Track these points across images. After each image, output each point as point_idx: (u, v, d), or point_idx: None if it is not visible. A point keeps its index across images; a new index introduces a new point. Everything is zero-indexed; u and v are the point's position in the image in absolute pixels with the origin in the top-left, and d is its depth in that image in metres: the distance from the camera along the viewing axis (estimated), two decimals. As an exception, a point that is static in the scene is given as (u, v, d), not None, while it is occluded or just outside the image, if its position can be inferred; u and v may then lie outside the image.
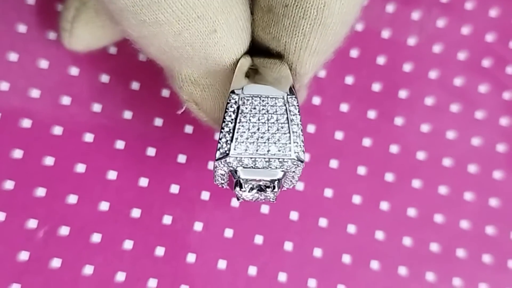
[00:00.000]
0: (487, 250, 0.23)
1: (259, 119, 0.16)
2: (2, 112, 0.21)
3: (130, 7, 0.14)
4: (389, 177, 0.23)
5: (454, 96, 0.24)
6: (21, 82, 0.22)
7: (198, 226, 0.22)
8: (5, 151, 0.21)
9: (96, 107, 0.22)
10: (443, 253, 0.22)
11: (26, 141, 0.21)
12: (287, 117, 0.16)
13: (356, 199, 0.23)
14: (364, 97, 0.24)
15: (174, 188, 0.22)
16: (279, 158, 0.16)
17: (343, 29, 0.16)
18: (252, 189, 0.16)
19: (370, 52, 0.24)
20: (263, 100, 0.16)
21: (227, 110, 0.16)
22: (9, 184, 0.21)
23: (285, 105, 0.16)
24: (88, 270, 0.21)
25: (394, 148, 0.23)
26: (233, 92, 0.16)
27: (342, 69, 0.24)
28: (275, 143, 0.16)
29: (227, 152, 0.16)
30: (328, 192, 0.23)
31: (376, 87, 0.24)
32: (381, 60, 0.24)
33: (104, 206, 0.21)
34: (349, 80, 0.24)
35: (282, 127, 0.16)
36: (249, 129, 0.16)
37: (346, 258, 0.22)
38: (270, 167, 0.16)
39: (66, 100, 0.22)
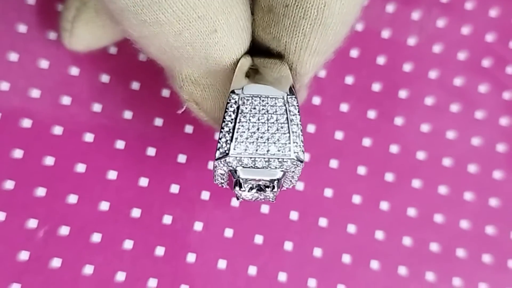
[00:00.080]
0: (487, 250, 0.23)
1: (259, 119, 0.16)
2: (2, 112, 0.21)
3: (130, 7, 0.14)
4: (389, 177, 0.23)
5: (454, 96, 0.24)
6: (21, 82, 0.22)
7: (198, 226, 0.22)
8: (5, 151, 0.21)
9: (96, 107, 0.22)
10: (443, 253, 0.23)
11: (26, 141, 0.21)
12: (287, 117, 0.16)
13: (356, 199, 0.23)
14: (364, 97, 0.24)
15: (174, 188, 0.22)
16: (278, 158, 0.16)
17: (344, 29, 0.16)
18: (251, 188, 0.16)
19: (370, 52, 0.24)
20: (263, 100, 0.16)
21: (227, 110, 0.16)
22: (9, 184, 0.21)
23: (285, 105, 0.16)
24: (88, 270, 0.21)
25: (394, 148, 0.23)
26: (233, 92, 0.16)
27: (342, 69, 0.24)
28: (274, 143, 0.16)
29: (227, 151, 0.16)
30: (328, 192, 0.23)
31: (376, 87, 0.24)
32: (381, 60, 0.24)
33: (104, 206, 0.21)
34: (349, 80, 0.24)
35: (281, 127, 0.16)
36: (249, 129, 0.16)
37: (346, 258, 0.22)
38: (270, 167, 0.16)
39: (66, 100, 0.22)
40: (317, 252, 0.22)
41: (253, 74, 0.17)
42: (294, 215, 0.22)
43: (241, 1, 0.16)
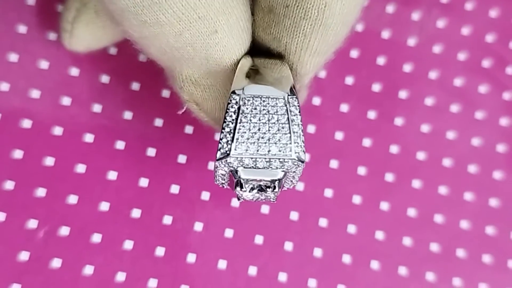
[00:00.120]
0: (487, 250, 0.23)
1: (260, 120, 0.16)
2: (2, 112, 0.21)
3: (131, 8, 0.14)
4: (389, 177, 0.23)
5: (454, 96, 0.24)
6: (21, 82, 0.22)
7: (198, 226, 0.22)
8: (5, 151, 0.21)
9: (97, 108, 0.22)
10: (443, 253, 0.23)
11: (26, 141, 0.21)
12: (288, 118, 0.16)
13: (356, 199, 0.23)
14: (364, 97, 0.24)
15: (174, 188, 0.22)
16: (279, 158, 0.16)
17: (344, 29, 0.16)
18: (252, 189, 0.16)
19: (370, 53, 0.24)
20: (264, 101, 0.16)
21: (228, 110, 0.16)
22: (9, 184, 0.21)
23: (285, 105, 0.16)
24: (88, 270, 0.21)
25: (394, 148, 0.23)
26: (234, 92, 0.16)
27: (342, 69, 0.24)
28: (275, 143, 0.16)
29: (228, 152, 0.16)
30: (328, 192, 0.23)
31: (376, 87, 0.24)
32: (381, 60, 0.24)
33: (104, 206, 0.21)
34: (349, 80, 0.24)
35: (282, 128, 0.16)
36: (249, 129, 0.16)
37: (346, 258, 0.22)
38: (271, 167, 0.16)
39: (66, 101, 0.22)
40: (317, 252, 0.22)
41: (253, 74, 0.17)
42: (294, 215, 0.22)
43: (242, 2, 0.16)
